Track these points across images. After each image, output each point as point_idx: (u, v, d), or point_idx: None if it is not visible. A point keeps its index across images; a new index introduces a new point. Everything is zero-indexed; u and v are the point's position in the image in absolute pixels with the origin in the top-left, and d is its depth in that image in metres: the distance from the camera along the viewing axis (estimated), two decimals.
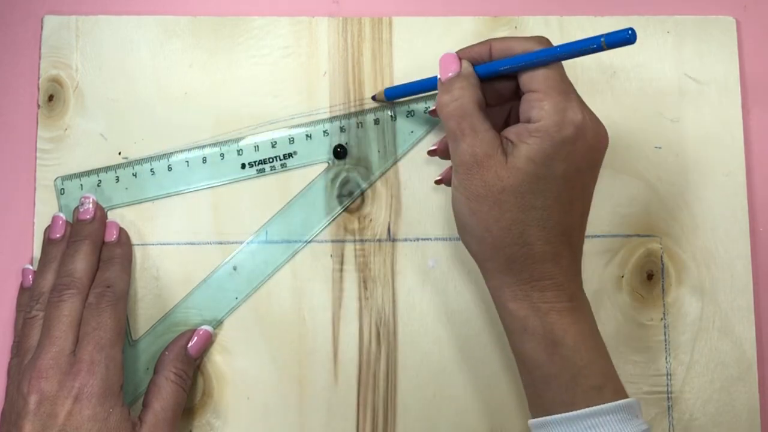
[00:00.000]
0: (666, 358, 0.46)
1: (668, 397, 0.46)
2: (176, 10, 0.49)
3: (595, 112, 0.37)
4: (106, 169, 0.46)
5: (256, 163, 0.47)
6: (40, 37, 0.48)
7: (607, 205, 0.47)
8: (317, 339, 0.46)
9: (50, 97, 0.47)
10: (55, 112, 0.47)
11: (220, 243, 0.46)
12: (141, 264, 0.46)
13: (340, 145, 0.47)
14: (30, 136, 0.47)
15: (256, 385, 0.45)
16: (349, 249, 0.47)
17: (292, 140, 0.47)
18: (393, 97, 0.46)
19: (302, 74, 0.48)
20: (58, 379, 0.39)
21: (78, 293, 0.41)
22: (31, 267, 0.45)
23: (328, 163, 0.47)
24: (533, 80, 0.37)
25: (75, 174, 0.46)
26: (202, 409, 0.45)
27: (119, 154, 0.47)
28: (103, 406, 0.39)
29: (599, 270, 0.47)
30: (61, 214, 0.45)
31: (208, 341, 0.45)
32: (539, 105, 0.36)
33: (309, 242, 0.46)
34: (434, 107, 0.42)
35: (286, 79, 0.48)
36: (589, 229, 0.39)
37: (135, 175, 0.47)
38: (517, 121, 0.39)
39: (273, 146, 0.47)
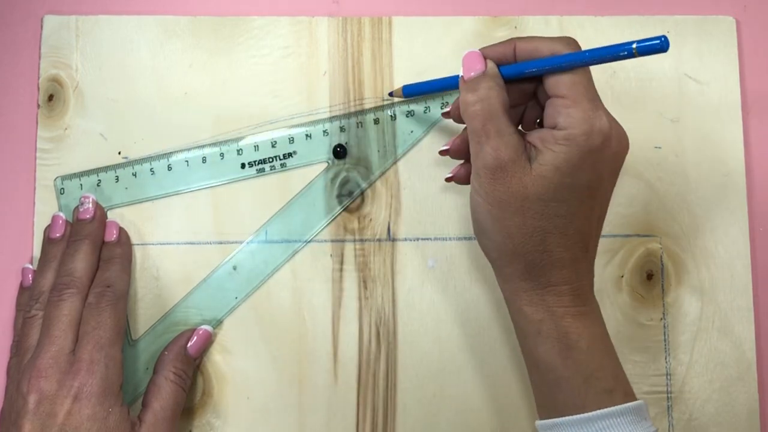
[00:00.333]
0: (666, 358, 0.46)
1: (668, 397, 0.46)
2: (176, 10, 0.49)
3: None
4: (106, 168, 0.46)
5: (256, 162, 0.47)
6: (40, 37, 0.48)
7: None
8: (317, 339, 0.46)
9: (50, 97, 0.47)
10: (55, 111, 0.47)
11: (220, 243, 0.46)
12: (141, 264, 0.46)
13: (339, 145, 0.47)
14: (30, 135, 0.47)
15: (256, 385, 0.45)
16: (349, 249, 0.47)
17: (291, 140, 0.47)
18: (411, 94, 0.46)
19: (302, 74, 0.48)
20: (58, 378, 0.39)
21: (78, 293, 0.41)
22: (30, 266, 0.45)
23: (327, 162, 0.47)
24: (560, 85, 0.36)
25: (75, 174, 0.47)
26: (202, 409, 0.45)
27: (119, 153, 0.47)
28: (103, 406, 0.39)
29: (599, 270, 0.46)
30: (61, 214, 0.45)
31: (208, 341, 0.45)
32: (566, 112, 0.35)
33: (309, 242, 0.46)
34: (448, 108, 0.41)
35: (286, 79, 0.48)
36: None
37: (135, 174, 0.47)
38: (531, 123, 0.38)
39: (273, 146, 0.47)
